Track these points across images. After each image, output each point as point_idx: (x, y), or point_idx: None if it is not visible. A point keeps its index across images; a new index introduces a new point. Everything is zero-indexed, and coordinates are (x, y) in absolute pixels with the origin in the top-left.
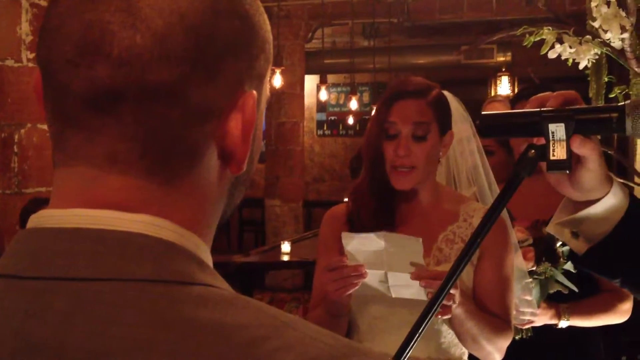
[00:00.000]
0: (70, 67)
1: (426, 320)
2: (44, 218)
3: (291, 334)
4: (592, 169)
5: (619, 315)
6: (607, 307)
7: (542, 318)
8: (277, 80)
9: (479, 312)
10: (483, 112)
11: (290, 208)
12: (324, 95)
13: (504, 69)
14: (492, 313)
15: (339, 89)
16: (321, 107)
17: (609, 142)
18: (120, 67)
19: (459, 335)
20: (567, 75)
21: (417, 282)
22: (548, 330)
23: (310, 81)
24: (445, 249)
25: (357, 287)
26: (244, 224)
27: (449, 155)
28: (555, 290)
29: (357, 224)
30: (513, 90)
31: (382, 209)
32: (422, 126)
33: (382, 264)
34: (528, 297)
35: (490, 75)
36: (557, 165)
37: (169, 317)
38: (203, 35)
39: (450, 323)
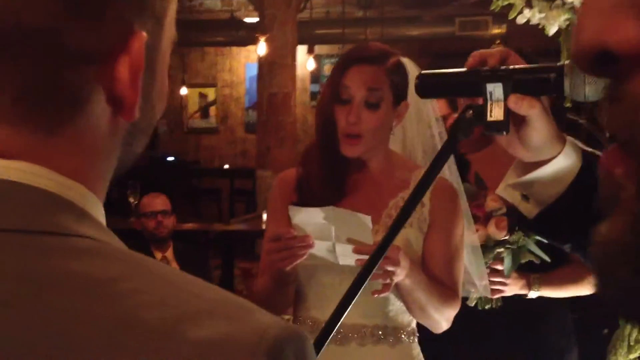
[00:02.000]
0: None
1: (357, 290)
2: None
3: (168, 289)
4: (537, 127)
5: (590, 287)
6: (577, 278)
7: (513, 288)
8: (262, 49)
9: (427, 282)
10: (422, 72)
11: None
12: (311, 65)
13: (498, 42)
14: (441, 282)
15: (334, 59)
16: (315, 78)
17: (579, 110)
18: None
19: (406, 304)
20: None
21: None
22: (517, 300)
23: (304, 52)
24: (393, 216)
25: (303, 258)
26: (236, 194)
27: (405, 126)
28: (527, 260)
29: (307, 191)
30: None
31: (332, 176)
32: (375, 93)
33: (329, 236)
34: (499, 267)
35: (485, 47)
36: (495, 126)
37: (34, 269)
38: None
39: (399, 293)
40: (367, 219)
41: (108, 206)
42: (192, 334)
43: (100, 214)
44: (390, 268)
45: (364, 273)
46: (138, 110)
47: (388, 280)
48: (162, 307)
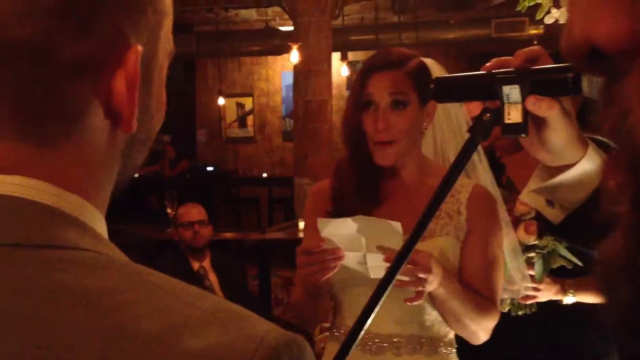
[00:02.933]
0: None
1: (381, 295)
2: None
3: (163, 298)
4: (557, 128)
5: None
6: None
7: (546, 293)
8: (297, 57)
9: (463, 291)
10: (437, 76)
11: None
12: (345, 72)
13: (535, 42)
14: (479, 292)
15: None
16: (350, 84)
17: None
18: None
19: (442, 314)
20: None
21: None
22: (553, 306)
23: (338, 58)
24: (430, 225)
25: (335, 271)
26: (274, 202)
27: (435, 129)
28: (560, 265)
29: (341, 202)
30: None
31: (365, 186)
32: (399, 96)
33: (360, 247)
34: (530, 272)
35: (522, 48)
36: (513, 128)
37: (31, 283)
38: None
39: (433, 302)
40: (398, 226)
41: (148, 216)
42: (189, 344)
43: (100, 226)
44: (421, 275)
45: (387, 277)
46: (136, 122)
47: (420, 288)
48: (158, 318)
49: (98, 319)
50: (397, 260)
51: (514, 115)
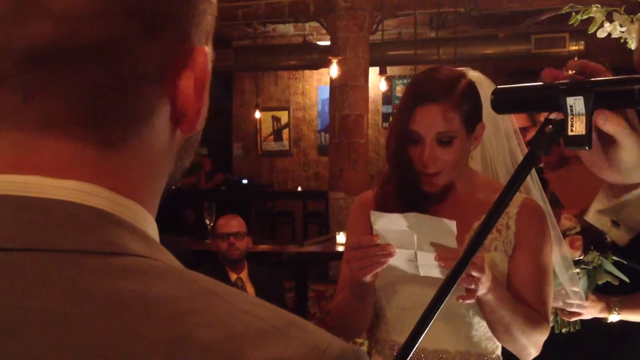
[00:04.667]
0: (6, 26)
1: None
2: None
3: (221, 306)
4: (625, 146)
5: None
6: None
7: (591, 311)
8: (334, 71)
9: (512, 300)
10: (497, 87)
11: (354, 201)
12: (383, 87)
13: (576, 58)
14: (528, 304)
15: (405, 80)
16: (387, 99)
17: None
18: (55, 25)
19: (490, 325)
20: None
21: None
22: (597, 324)
23: (376, 73)
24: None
25: (384, 266)
26: (309, 217)
27: (484, 143)
28: (605, 282)
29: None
30: None
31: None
32: (446, 133)
33: (411, 244)
34: (575, 288)
35: (562, 65)
36: (576, 141)
37: (90, 289)
38: None
39: (482, 311)
40: (452, 224)
41: (184, 228)
42: (251, 354)
43: (153, 231)
44: (475, 273)
45: (442, 291)
46: (200, 123)
47: (473, 286)
48: (217, 327)
49: (158, 328)
50: (453, 275)
51: (577, 127)
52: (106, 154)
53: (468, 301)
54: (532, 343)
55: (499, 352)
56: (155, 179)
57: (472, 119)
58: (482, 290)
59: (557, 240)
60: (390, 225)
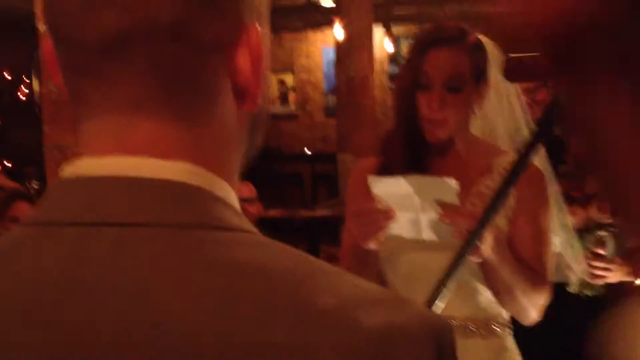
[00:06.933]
0: (78, 20)
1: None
2: (80, 167)
3: (325, 276)
4: None
5: None
6: None
7: (617, 274)
8: (340, 32)
9: (514, 261)
10: (511, 55)
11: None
12: (390, 48)
13: None
14: (529, 265)
15: (411, 40)
16: (393, 59)
17: None
18: (126, 11)
19: (493, 286)
20: None
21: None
22: (623, 287)
23: (380, 33)
24: (479, 203)
25: (386, 231)
26: (318, 179)
27: (485, 107)
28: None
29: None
30: None
31: (414, 162)
32: (457, 77)
33: (413, 206)
34: (601, 251)
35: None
36: None
37: (213, 259)
38: None
39: (484, 272)
40: (453, 182)
41: None
42: (366, 320)
43: (238, 207)
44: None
45: (454, 262)
46: (261, 98)
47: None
48: (331, 295)
49: (281, 295)
50: (464, 246)
51: None
52: (195, 132)
53: (474, 259)
54: (533, 304)
55: (504, 315)
56: (236, 157)
57: (481, 72)
58: (487, 246)
59: (558, 206)
60: (390, 189)
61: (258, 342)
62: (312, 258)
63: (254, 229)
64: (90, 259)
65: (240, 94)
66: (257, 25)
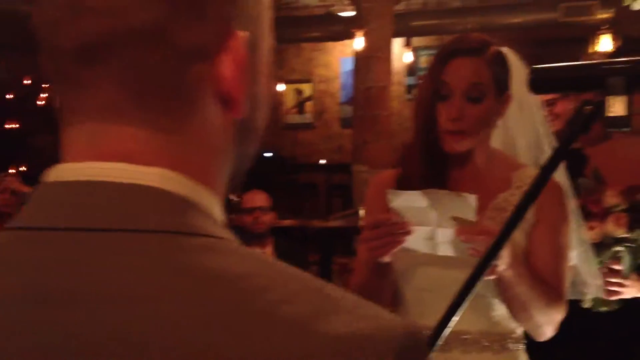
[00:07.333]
0: (59, 26)
1: (468, 293)
2: (62, 172)
3: (294, 284)
4: None
5: None
6: None
7: (632, 290)
8: (359, 43)
9: (530, 277)
10: (535, 66)
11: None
12: (408, 58)
13: (607, 27)
14: (545, 281)
15: (430, 51)
16: (411, 70)
17: None
18: (105, 16)
19: (508, 302)
20: None
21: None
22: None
23: (399, 44)
24: (497, 218)
25: (401, 245)
26: (332, 189)
27: (507, 119)
28: None
29: (407, 190)
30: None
31: (432, 174)
32: (477, 87)
33: (430, 221)
34: (617, 267)
35: (590, 34)
36: (616, 122)
37: (180, 265)
38: None
39: (500, 288)
40: (472, 198)
41: None
42: (326, 329)
43: (218, 213)
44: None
45: (472, 277)
46: (246, 107)
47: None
48: (295, 303)
49: (248, 301)
50: (482, 263)
51: (617, 108)
52: (172, 138)
53: (489, 277)
54: (548, 321)
55: (520, 331)
56: (218, 163)
57: (502, 83)
58: (503, 264)
59: (577, 220)
60: (408, 203)
61: (203, 348)
62: (279, 265)
63: (230, 236)
64: (57, 265)
65: (225, 101)
66: (251, 32)
